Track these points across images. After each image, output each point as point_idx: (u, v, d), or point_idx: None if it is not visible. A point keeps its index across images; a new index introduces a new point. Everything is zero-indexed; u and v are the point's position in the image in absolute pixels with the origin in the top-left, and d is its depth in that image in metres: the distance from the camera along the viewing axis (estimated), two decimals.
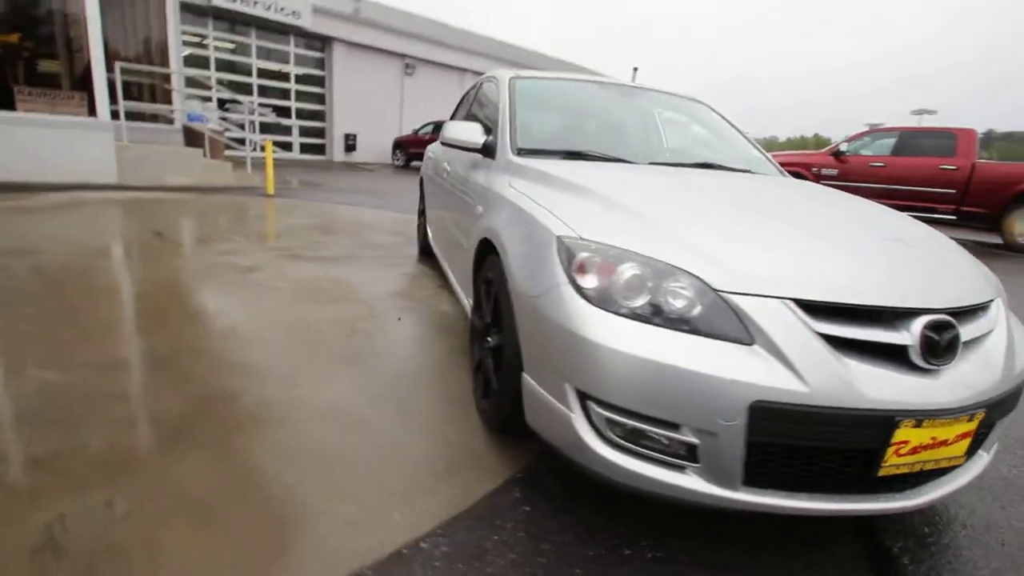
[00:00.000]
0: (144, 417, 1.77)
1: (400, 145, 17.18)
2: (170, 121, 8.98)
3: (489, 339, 1.86)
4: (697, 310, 1.26)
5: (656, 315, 1.28)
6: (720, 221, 1.58)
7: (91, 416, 1.73)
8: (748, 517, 1.52)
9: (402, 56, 18.01)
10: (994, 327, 1.44)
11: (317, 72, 16.74)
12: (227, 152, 9.46)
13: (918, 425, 1.22)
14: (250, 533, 1.32)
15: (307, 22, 15.16)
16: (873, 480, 1.27)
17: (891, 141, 8.36)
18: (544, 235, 1.53)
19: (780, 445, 1.23)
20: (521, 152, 2.21)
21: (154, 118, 8.87)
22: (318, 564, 1.25)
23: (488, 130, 2.45)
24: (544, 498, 1.56)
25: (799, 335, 1.21)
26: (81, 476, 1.45)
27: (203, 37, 14.37)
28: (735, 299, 1.25)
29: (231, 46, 15.07)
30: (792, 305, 1.24)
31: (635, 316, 1.29)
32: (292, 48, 16.09)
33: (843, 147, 8.52)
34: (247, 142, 9.93)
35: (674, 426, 1.25)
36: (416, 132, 16.69)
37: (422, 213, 4.54)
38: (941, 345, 1.25)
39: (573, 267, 1.40)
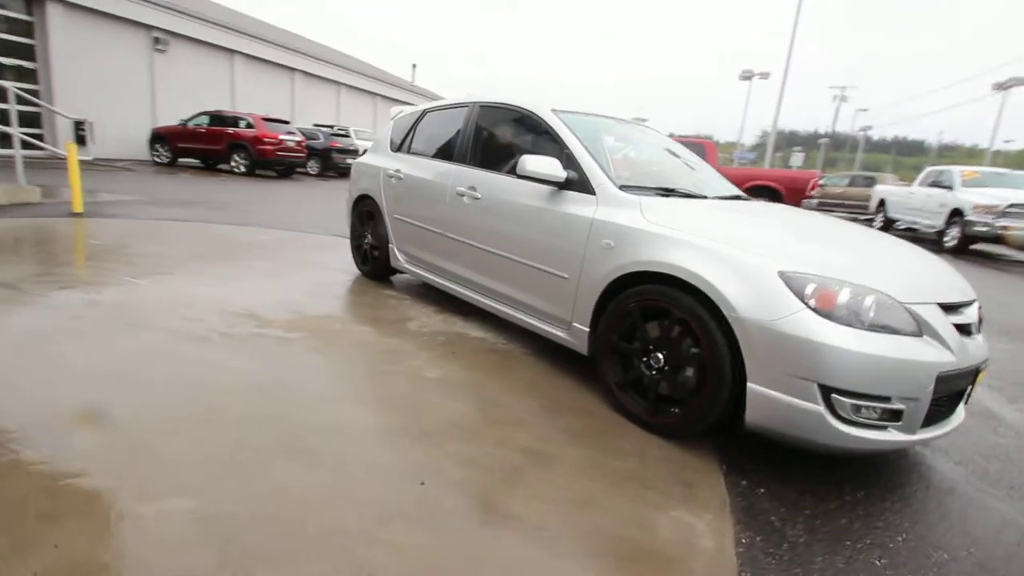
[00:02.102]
0: None
1: (162, 138, 14.14)
2: None
3: (659, 355, 2.14)
4: (891, 317, 1.82)
5: (867, 323, 1.80)
6: (846, 248, 2.19)
7: None
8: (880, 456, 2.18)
9: (149, 28, 14.68)
10: None
11: (24, 40, 12.50)
12: None
13: (981, 371, 2.02)
14: None
15: None
16: (953, 411, 2.04)
17: None
18: (759, 270, 1.90)
19: (939, 398, 1.88)
20: (624, 188, 2.47)
21: None
22: None
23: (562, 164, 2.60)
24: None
25: (944, 325, 1.88)
26: None
27: None
28: (912, 307, 1.85)
29: None
30: (936, 307, 1.90)
31: (857, 325, 1.79)
32: None
33: None
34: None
35: (887, 399, 1.80)
36: (185, 123, 13.96)
37: (362, 236, 4.21)
38: (978, 321, 2.07)
39: (806, 295, 1.82)
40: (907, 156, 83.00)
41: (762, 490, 1.91)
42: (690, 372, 2.11)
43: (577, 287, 2.49)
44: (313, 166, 16.46)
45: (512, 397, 2.41)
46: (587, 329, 2.47)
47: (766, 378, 1.87)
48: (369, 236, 4.17)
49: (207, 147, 13.87)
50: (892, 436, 1.84)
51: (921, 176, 12.54)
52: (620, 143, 3.09)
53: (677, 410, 2.15)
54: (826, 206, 16.24)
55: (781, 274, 1.88)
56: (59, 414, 1.90)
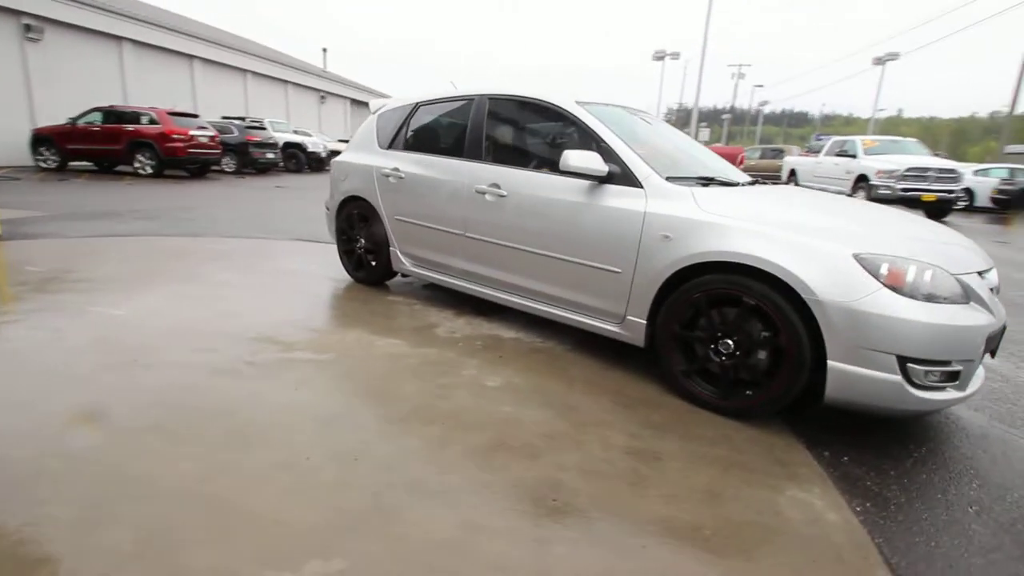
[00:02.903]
0: None
1: (46, 140, 12.35)
2: None
3: (728, 342, 2.22)
4: (947, 288, 2.00)
5: (930, 296, 1.97)
6: (892, 227, 2.34)
7: None
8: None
9: (17, 13, 12.68)
10: None
11: None
12: None
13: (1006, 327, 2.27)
14: None
15: None
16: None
17: None
18: (835, 254, 2.01)
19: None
20: (671, 179, 2.50)
21: None
22: None
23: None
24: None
25: (985, 292, 2.09)
26: None
27: None
28: (962, 277, 2.04)
29: None
30: (977, 276, 2.11)
31: (924, 298, 1.95)
32: None
33: None
34: None
35: (948, 363, 1.98)
36: (74, 122, 12.28)
37: (352, 240, 3.97)
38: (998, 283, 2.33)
39: (881, 275, 1.95)
40: (795, 127, 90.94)
41: (845, 458, 2.05)
42: (762, 355, 2.20)
43: (632, 281, 2.50)
44: (229, 163, 15.16)
45: (581, 397, 2.40)
46: (644, 321, 2.50)
47: (846, 355, 1.99)
48: (363, 240, 3.93)
49: (103, 147, 12.33)
50: (951, 395, 2.03)
51: (827, 146, 13.77)
52: (642, 133, 3.10)
53: (751, 392, 2.24)
54: None
55: (856, 256, 2.00)
56: (160, 488, 1.65)
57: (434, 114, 3.59)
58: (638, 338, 2.56)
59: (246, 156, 15.27)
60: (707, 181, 2.68)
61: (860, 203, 2.85)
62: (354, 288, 3.93)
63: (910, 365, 1.94)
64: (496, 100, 3.19)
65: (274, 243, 5.44)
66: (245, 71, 21.11)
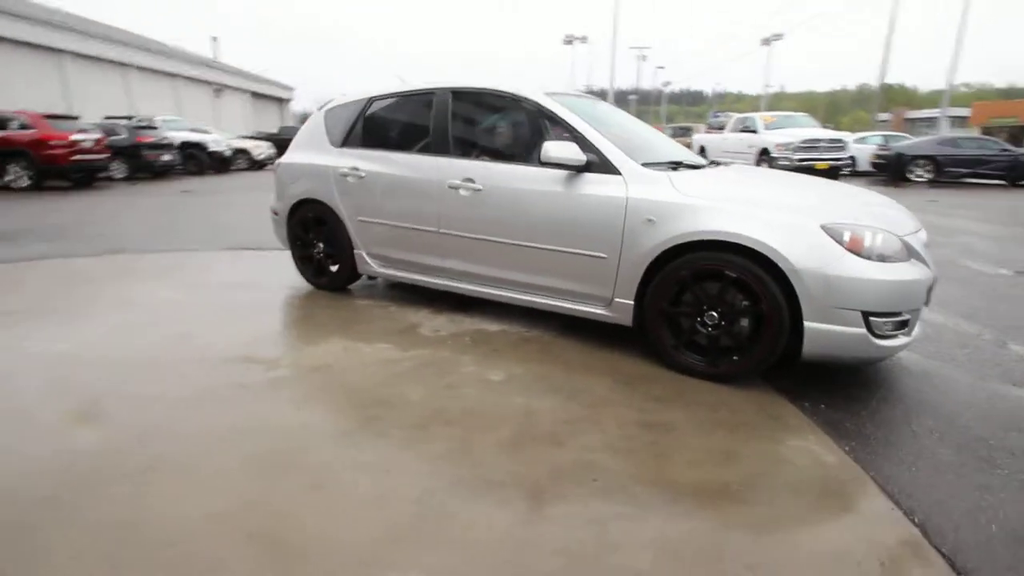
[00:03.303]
0: None
1: None
2: None
3: (713, 314, 2.41)
4: (895, 249, 2.28)
5: (883, 257, 2.24)
6: (841, 197, 2.61)
7: None
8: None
9: None
10: None
11: None
12: None
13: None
14: None
15: None
16: None
17: None
18: (805, 227, 2.23)
19: None
20: (646, 165, 2.63)
21: None
22: None
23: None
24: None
25: (920, 250, 2.41)
26: None
27: None
28: (906, 238, 2.34)
29: None
30: (913, 235, 2.42)
31: (878, 259, 2.22)
32: None
33: None
34: None
35: (899, 314, 2.28)
36: None
37: (309, 246, 3.79)
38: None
39: (844, 241, 2.19)
40: (693, 106, 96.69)
41: (823, 406, 2.30)
42: (744, 323, 2.40)
43: (618, 265, 2.61)
44: (119, 168, 13.70)
45: (583, 380, 2.49)
46: (631, 302, 2.63)
47: (819, 315, 2.23)
48: (321, 244, 3.76)
49: None
50: (902, 341, 2.33)
51: (731, 123, 14.84)
52: (605, 120, 3.20)
53: (737, 357, 2.44)
54: None
55: (823, 227, 2.23)
56: (193, 531, 1.52)
57: (391, 109, 3.49)
58: (626, 318, 2.69)
59: (138, 160, 13.83)
60: (676, 165, 2.84)
61: (805, 177, 3.15)
62: (316, 295, 3.76)
63: (872, 318, 2.21)
64: (460, 93, 3.16)
65: (209, 255, 5.04)
66: (126, 65, 19.05)
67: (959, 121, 39.51)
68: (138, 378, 2.42)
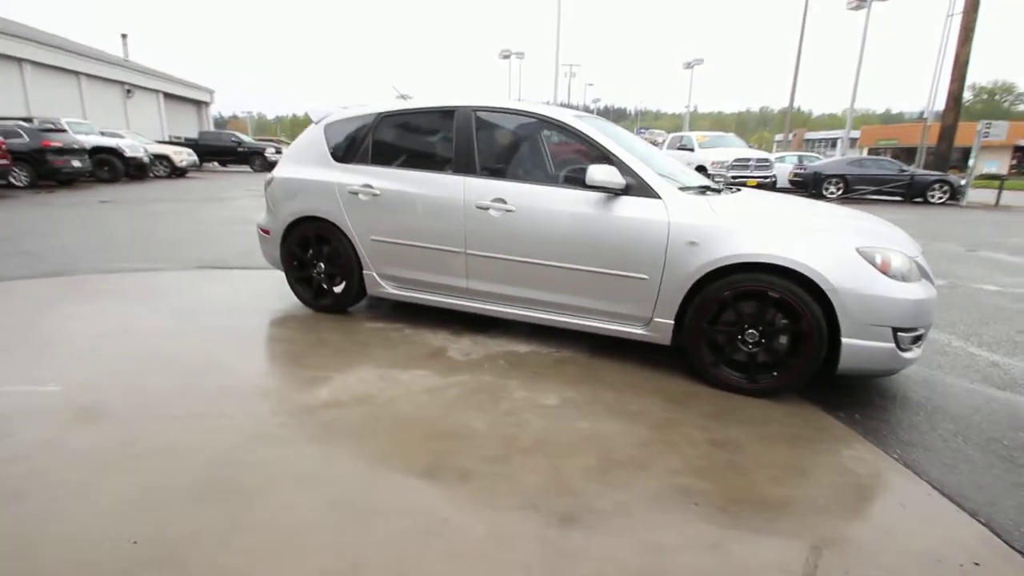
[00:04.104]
0: None
1: None
2: None
3: (753, 332, 2.54)
4: (912, 270, 2.52)
5: (905, 277, 2.47)
6: (862, 221, 2.83)
7: None
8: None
9: None
10: None
11: None
12: None
13: None
14: None
15: None
16: None
17: None
18: (842, 250, 2.40)
19: None
20: (682, 189, 2.72)
21: None
22: None
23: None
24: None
25: (926, 269, 2.68)
26: None
27: None
28: (915, 260, 2.59)
29: None
30: (919, 258, 2.69)
31: (902, 279, 2.44)
32: None
33: None
34: None
35: (916, 328, 2.52)
36: None
37: (308, 266, 3.58)
38: None
39: (877, 263, 2.39)
40: (616, 121, 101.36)
41: (857, 415, 2.49)
42: (783, 340, 2.55)
43: (659, 286, 2.69)
44: (21, 176, 12.20)
45: (637, 401, 2.53)
46: (671, 322, 2.71)
47: (856, 332, 2.41)
48: (323, 264, 3.56)
49: None
50: (916, 353, 2.57)
51: (667, 141, 15.71)
52: (628, 143, 3.28)
53: (776, 373, 2.58)
54: None
55: (858, 250, 2.42)
56: None
57: (405, 126, 3.38)
58: (664, 338, 2.76)
59: (44, 166, 12.39)
60: (704, 189, 2.97)
61: (821, 203, 3.40)
62: (319, 319, 3.54)
63: (899, 334, 2.43)
64: (485, 112, 3.12)
65: (173, 275, 4.60)
66: (21, 60, 17.02)
67: (851, 143, 44.36)
68: (157, 418, 2.16)
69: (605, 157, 2.82)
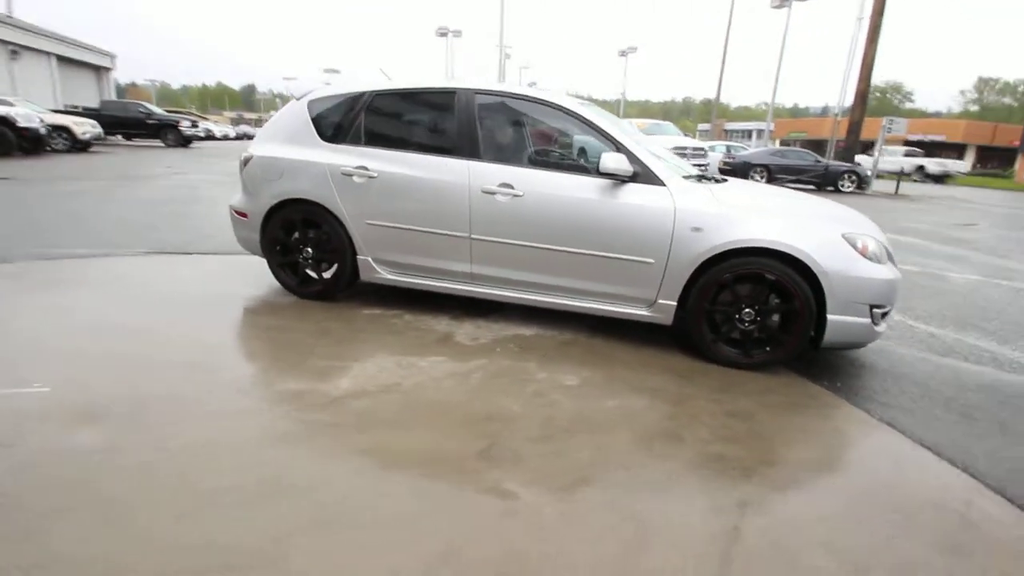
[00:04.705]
0: None
1: None
2: None
3: (749, 311, 2.75)
4: (882, 253, 2.83)
5: (878, 260, 2.77)
6: (837, 209, 3.10)
7: None
8: None
9: None
10: None
11: None
12: None
13: None
14: None
15: None
16: None
17: None
18: (830, 235, 2.65)
19: None
20: (685, 178, 2.87)
21: None
22: None
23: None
24: None
25: (889, 254, 3.01)
26: None
27: None
28: (883, 244, 2.90)
29: None
30: (885, 243, 3.01)
31: (876, 261, 2.74)
32: None
33: None
34: None
35: (883, 306, 2.84)
36: None
37: (293, 251, 3.42)
38: None
39: (858, 247, 2.67)
40: None
41: (839, 384, 2.78)
42: (775, 318, 2.79)
43: (664, 269, 2.83)
44: None
45: (651, 379, 2.67)
46: (674, 303, 2.87)
47: (840, 309, 2.68)
48: (311, 250, 3.40)
49: None
50: (884, 328, 2.90)
51: None
52: (626, 129, 3.37)
53: (769, 348, 2.82)
54: None
55: (843, 236, 2.68)
56: None
57: (400, 106, 3.28)
58: (667, 318, 2.92)
59: None
60: (700, 177, 3.14)
61: (800, 193, 3.68)
62: (310, 307, 3.39)
63: (874, 310, 2.73)
64: (487, 96, 3.10)
65: (132, 261, 4.20)
66: None
67: (761, 133, 47.68)
68: (165, 423, 2.03)
69: (613, 145, 2.91)
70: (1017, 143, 34.26)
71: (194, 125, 22.45)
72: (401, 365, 2.62)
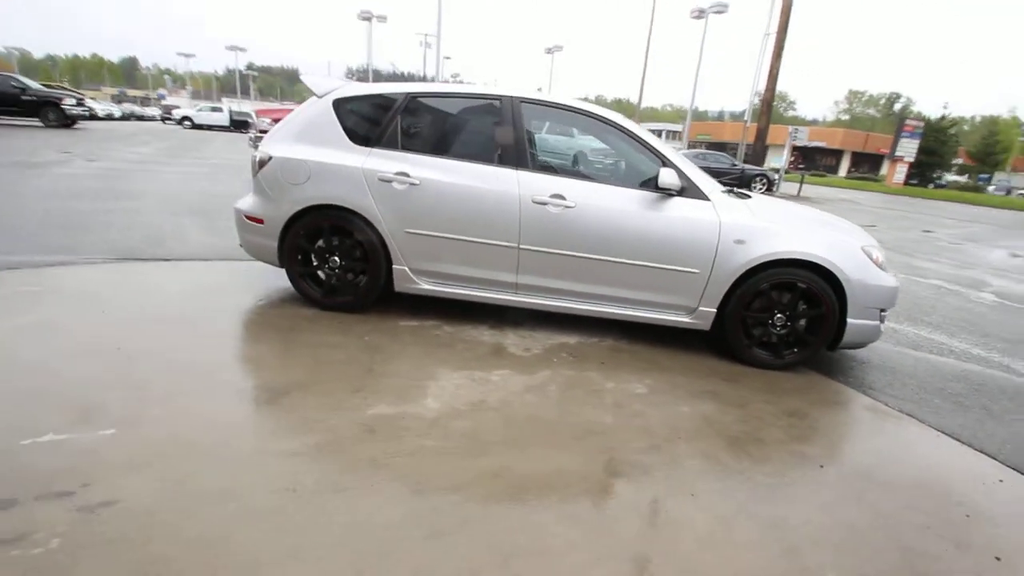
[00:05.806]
0: None
1: None
2: None
3: (780, 316, 3.03)
4: (884, 261, 3.22)
5: (883, 267, 3.16)
6: (844, 222, 3.45)
7: None
8: None
9: None
10: None
11: None
12: None
13: None
14: None
15: None
16: None
17: None
18: (852, 249, 2.98)
19: None
20: (725, 192, 3.07)
21: None
22: None
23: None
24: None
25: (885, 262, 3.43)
26: None
27: None
28: (883, 254, 3.30)
29: None
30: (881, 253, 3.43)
31: (883, 269, 3.12)
32: None
33: None
34: None
35: (885, 309, 3.24)
36: None
37: (318, 260, 3.21)
38: None
39: (873, 258, 3.02)
40: None
41: (852, 380, 3.13)
42: (802, 323, 3.08)
43: (708, 279, 3.02)
44: None
45: (708, 383, 2.85)
46: (714, 310, 3.08)
47: (858, 314, 3.02)
48: (338, 259, 3.21)
49: None
50: (884, 327, 3.32)
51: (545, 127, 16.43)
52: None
53: (796, 350, 3.11)
54: None
55: (862, 248, 3.02)
56: None
57: (440, 110, 3.18)
58: (706, 324, 3.12)
59: None
60: (729, 191, 3.36)
61: (813, 208, 4.02)
62: (345, 320, 3.19)
63: (882, 313, 3.11)
64: (532, 105, 3.10)
65: (104, 269, 3.68)
66: None
67: (675, 135, 50.92)
68: (284, 458, 1.87)
69: (660, 160, 3.04)
70: (885, 151, 39.41)
71: (80, 103, 19.78)
72: (474, 380, 2.58)
